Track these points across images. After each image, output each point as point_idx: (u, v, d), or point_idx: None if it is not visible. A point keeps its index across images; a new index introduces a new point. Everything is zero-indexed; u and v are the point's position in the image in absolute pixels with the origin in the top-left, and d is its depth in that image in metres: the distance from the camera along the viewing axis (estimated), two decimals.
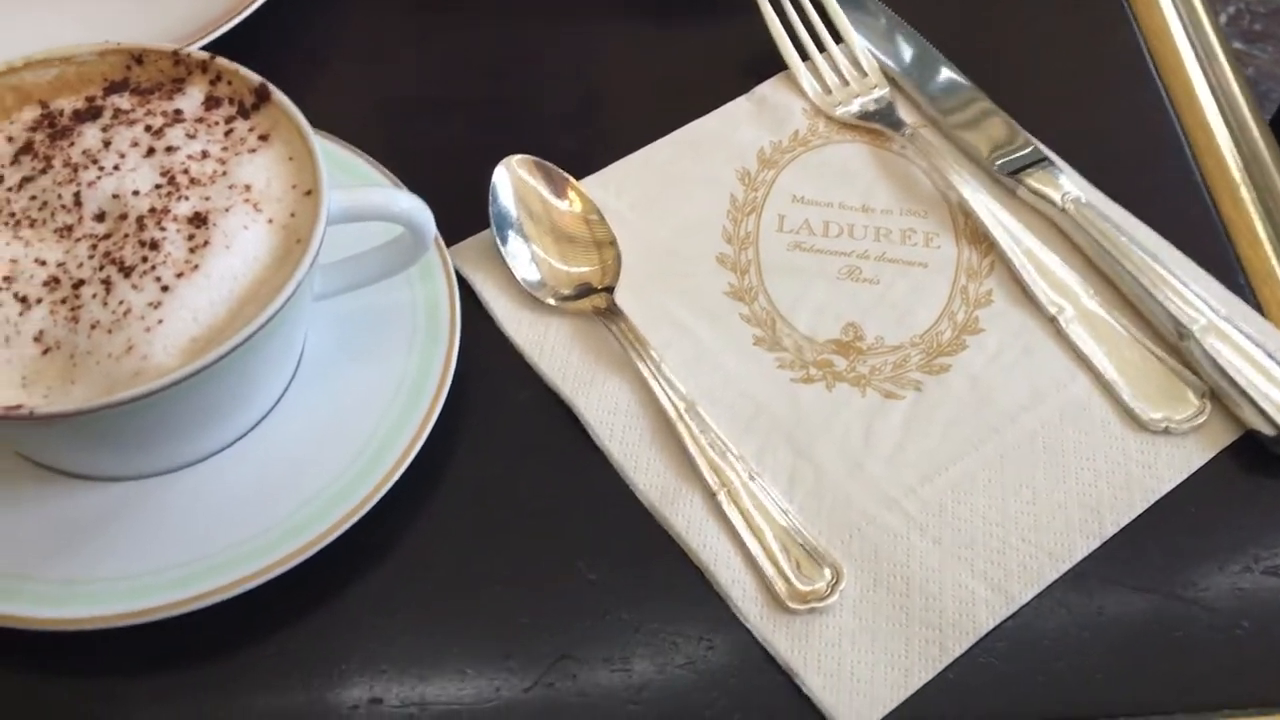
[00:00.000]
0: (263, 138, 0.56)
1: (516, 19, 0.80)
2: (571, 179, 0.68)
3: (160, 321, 0.50)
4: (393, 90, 0.75)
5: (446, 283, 0.62)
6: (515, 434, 0.61)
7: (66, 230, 0.52)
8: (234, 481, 0.56)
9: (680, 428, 0.59)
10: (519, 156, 0.67)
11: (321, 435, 0.57)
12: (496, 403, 0.61)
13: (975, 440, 0.60)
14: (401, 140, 0.72)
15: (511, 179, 0.66)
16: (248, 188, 0.54)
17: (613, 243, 0.65)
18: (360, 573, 0.56)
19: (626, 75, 0.77)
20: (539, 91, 0.75)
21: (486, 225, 0.66)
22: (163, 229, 0.52)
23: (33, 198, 0.53)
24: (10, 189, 0.53)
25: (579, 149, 0.70)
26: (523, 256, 0.65)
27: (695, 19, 0.79)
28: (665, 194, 0.69)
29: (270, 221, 0.53)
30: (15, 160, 0.54)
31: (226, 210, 0.53)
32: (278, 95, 0.57)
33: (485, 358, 0.62)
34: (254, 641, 0.54)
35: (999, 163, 0.69)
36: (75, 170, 0.53)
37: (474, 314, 0.64)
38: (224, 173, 0.54)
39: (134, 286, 0.50)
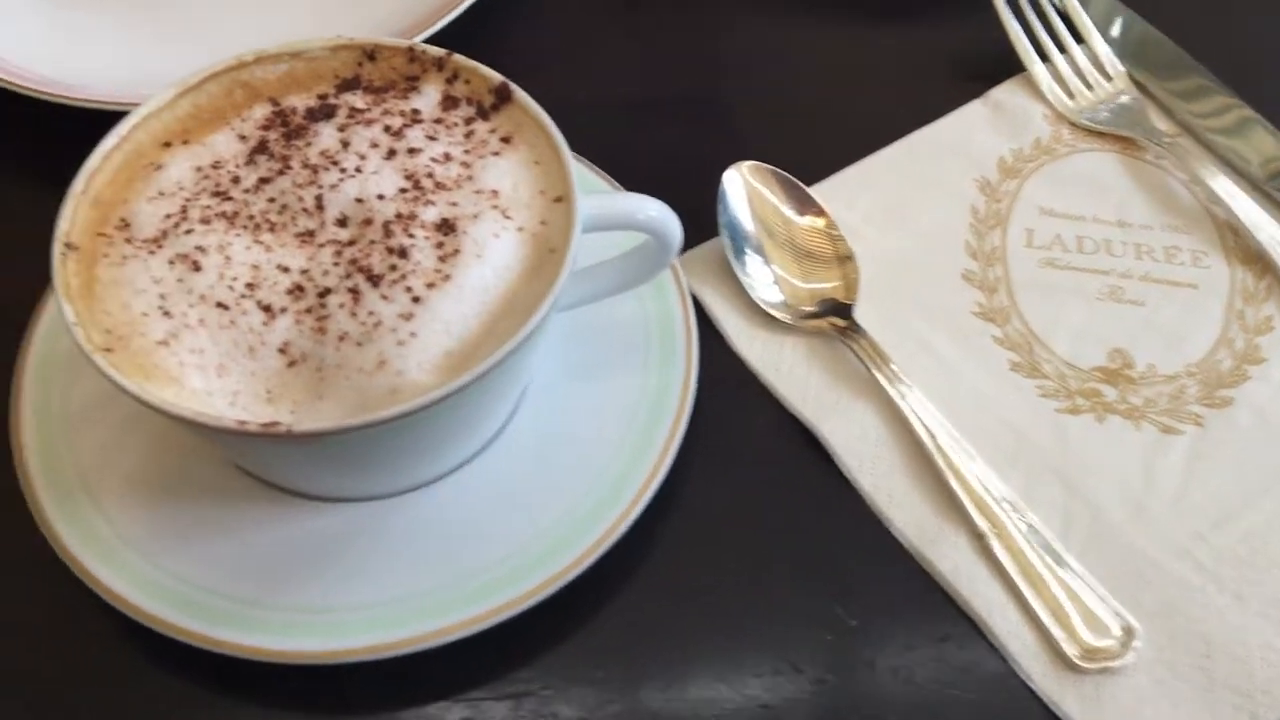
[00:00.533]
0: (505, 140, 0.52)
1: (733, 18, 0.75)
2: (805, 188, 0.63)
3: (413, 335, 0.46)
4: (604, 92, 0.72)
5: (680, 297, 0.58)
6: (755, 461, 0.56)
7: (308, 235, 0.49)
8: (469, 505, 0.52)
9: (938, 459, 0.54)
10: (749, 163, 0.63)
11: (556, 458, 0.53)
12: (731, 426, 0.57)
13: (1268, 481, 0.54)
14: (615, 144, 0.68)
15: (745, 188, 0.62)
16: (495, 193, 0.50)
17: (851, 257, 0.61)
18: (598, 609, 0.52)
19: (850, 76, 0.72)
20: (758, 93, 0.71)
21: (707, 235, 0.62)
22: (411, 236, 0.48)
23: (271, 200, 0.50)
24: (247, 190, 0.50)
25: (803, 155, 0.66)
26: (761, 274, 0.60)
27: (922, 17, 0.74)
28: (900, 204, 0.64)
29: (520, 229, 0.50)
30: (250, 160, 0.51)
31: (475, 217, 0.49)
32: (520, 95, 0.53)
33: (715, 377, 0.58)
34: (495, 675, 0.50)
35: (1276, 180, 0.63)
36: (315, 172, 0.50)
37: (700, 329, 0.59)
38: (469, 177, 0.51)
39: (383, 297, 0.47)
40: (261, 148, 0.52)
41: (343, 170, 0.50)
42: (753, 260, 0.60)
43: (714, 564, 0.53)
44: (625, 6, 0.76)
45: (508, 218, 0.50)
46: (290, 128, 0.52)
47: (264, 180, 0.50)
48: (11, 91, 0.66)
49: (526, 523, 0.52)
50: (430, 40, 0.66)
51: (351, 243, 0.49)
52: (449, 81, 0.54)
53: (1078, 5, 0.70)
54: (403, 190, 0.50)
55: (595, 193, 0.55)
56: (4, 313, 0.58)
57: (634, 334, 0.57)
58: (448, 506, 0.52)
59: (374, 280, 0.47)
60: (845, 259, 0.61)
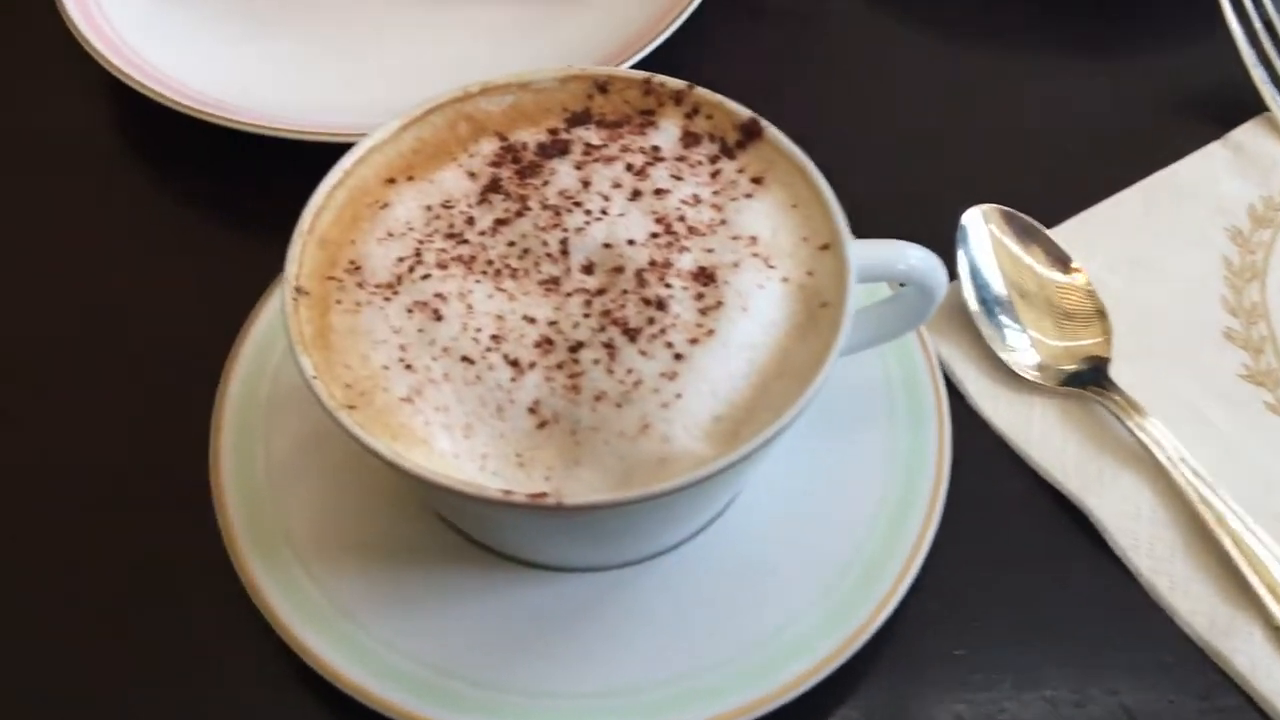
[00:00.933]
0: (756, 181, 0.48)
1: (948, 50, 0.71)
2: (1049, 235, 0.58)
3: (678, 396, 0.42)
4: (810, 128, 0.67)
5: (924, 352, 0.53)
6: (1012, 535, 0.51)
7: (553, 283, 0.45)
8: (714, 576, 0.47)
9: (1226, 542, 0.49)
10: (989, 207, 0.58)
11: (803, 527, 0.49)
12: (982, 496, 0.52)
13: None
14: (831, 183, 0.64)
15: (988, 236, 0.57)
16: (753, 239, 0.46)
17: (1105, 312, 0.56)
18: (849, 694, 0.47)
19: (1073, 112, 0.67)
20: (981, 129, 0.66)
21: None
22: (667, 286, 0.44)
23: (511, 243, 0.46)
24: (484, 232, 0.46)
25: (1032, 194, 0.61)
26: (1014, 334, 0.55)
27: (1150, 51, 0.69)
28: (1144, 253, 0.59)
29: (785, 280, 0.45)
30: (483, 199, 0.47)
31: (735, 266, 0.45)
32: (772, 132, 0.49)
33: (959, 439, 0.53)
34: None
35: None
36: (557, 214, 0.46)
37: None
38: (722, 221, 0.47)
39: (642, 353, 0.43)
40: (494, 186, 0.48)
41: (588, 212, 0.46)
42: (1002, 318, 0.55)
43: (976, 651, 0.48)
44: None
45: (770, 266, 0.45)
46: (523, 164, 0.48)
47: (501, 222, 0.46)
48: (203, 123, 0.63)
49: (778, 602, 0.47)
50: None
51: (601, 291, 0.45)
52: (688, 116, 0.50)
53: None
54: (654, 235, 0.46)
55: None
56: (199, 358, 0.54)
57: (875, 390, 0.53)
58: (683, 579, 0.48)
59: (631, 334, 0.43)
60: (1098, 314, 0.55)
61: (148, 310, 0.59)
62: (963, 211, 0.58)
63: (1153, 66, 0.68)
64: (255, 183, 0.64)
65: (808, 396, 0.41)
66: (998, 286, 0.56)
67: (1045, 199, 0.61)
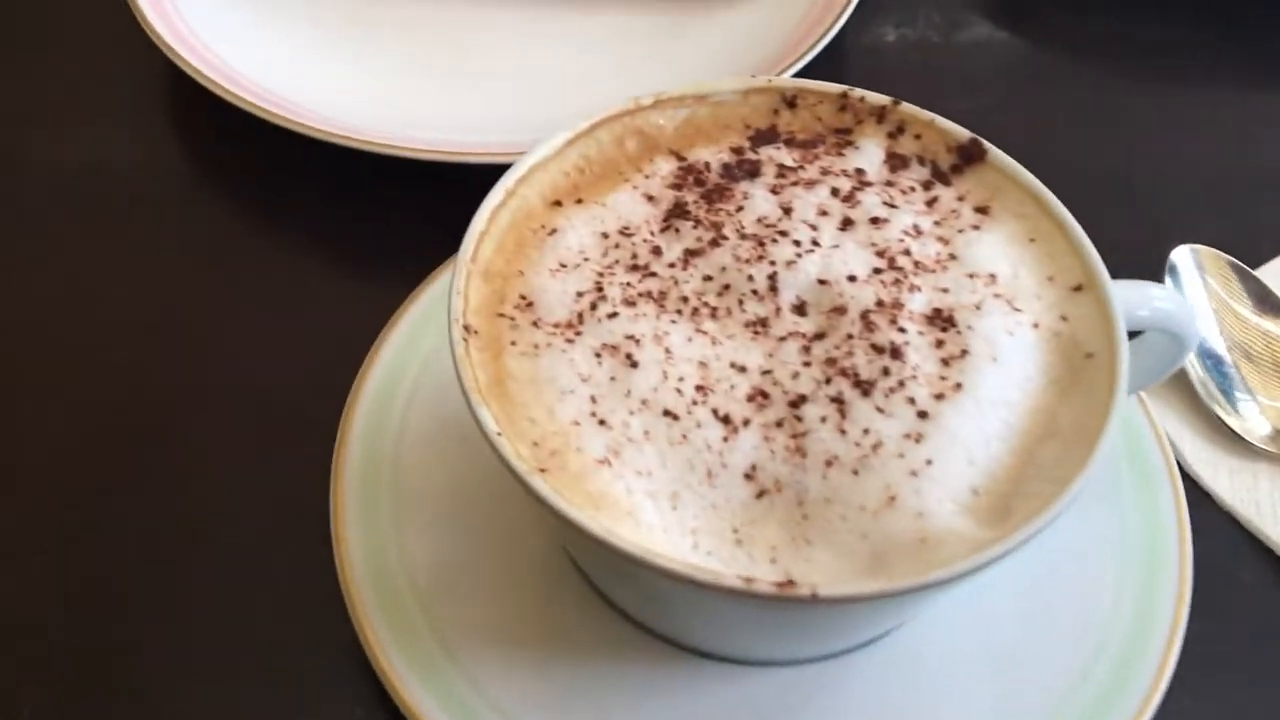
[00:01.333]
0: (980, 210, 0.41)
1: (1125, 82, 0.65)
2: (1267, 284, 0.52)
3: (929, 463, 0.35)
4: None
5: (1145, 414, 0.47)
6: (1256, 625, 0.44)
7: (761, 324, 0.38)
8: (930, 675, 0.40)
9: None
10: (1198, 246, 0.51)
11: (1033, 615, 0.42)
12: (1213, 581, 0.45)
13: None
14: None
15: (1198, 279, 0.51)
16: (992, 278, 0.39)
17: None
18: None
19: (1253, 143, 0.61)
20: (1169, 166, 0.60)
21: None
22: (901, 330, 0.37)
23: (708, 278, 0.39)
24: (673, 264, 0.39)
25: (1228, 237, 0.54)
26: (1242, 400, 0.49)
27: None
28: None
29: (1036, 326, 0.38)
30: (668, 225, 0.41)
31: (977, 308, 0.38)
32: (997, 155, 0.42)
33: None
34: None
35: None
36: (760, 244, 0.39)
37: None
38: (951, 256, 0.40)
39: (879, 409, 0.36)
40: (679, 211, 0.41)
41: (795, 243, 0.39)
42: (1225, 376, 0.49)
43: None
44: (991, 63, 0.65)
45: (1017, 310, 0.38)
46: (708, 187, 0.42)
47: (693, 253, 0.40)
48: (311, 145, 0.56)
49: (1017, 694, 0.40)
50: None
51: (820, 336, 0.38)
52: (891, 136, 0.44)
53: None
54: (876, 271, 0.39)
55: None
56: (318, 416, 0.48)
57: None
58: (907, 672, 0.41)
59: (863, 388, 0.36)
60: None
61: (256, 347, 0.53)
62: (1157, 251, 0.52)
63: None
64: (362, 206, 0.57)
65: (1093, 464, 0.34)
66: (1214, 339, 0.50)
67: (1244, 238, 0.55)
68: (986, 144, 0.42)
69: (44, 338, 0.53)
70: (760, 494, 0.35)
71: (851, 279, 0.38)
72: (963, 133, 0.43)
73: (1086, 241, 0.40)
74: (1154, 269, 0.51)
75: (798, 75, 0.57)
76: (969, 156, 0.43)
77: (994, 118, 0.63)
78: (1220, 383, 0.48)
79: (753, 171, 0.42)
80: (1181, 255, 0.51)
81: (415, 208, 0.57)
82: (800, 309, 0.38)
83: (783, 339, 0.38)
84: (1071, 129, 0.62)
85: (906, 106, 0.44)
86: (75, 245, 0.57)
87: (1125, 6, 0.69)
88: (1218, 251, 0.51)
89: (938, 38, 0.68)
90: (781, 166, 0.42)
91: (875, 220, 0.40)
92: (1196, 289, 0.50)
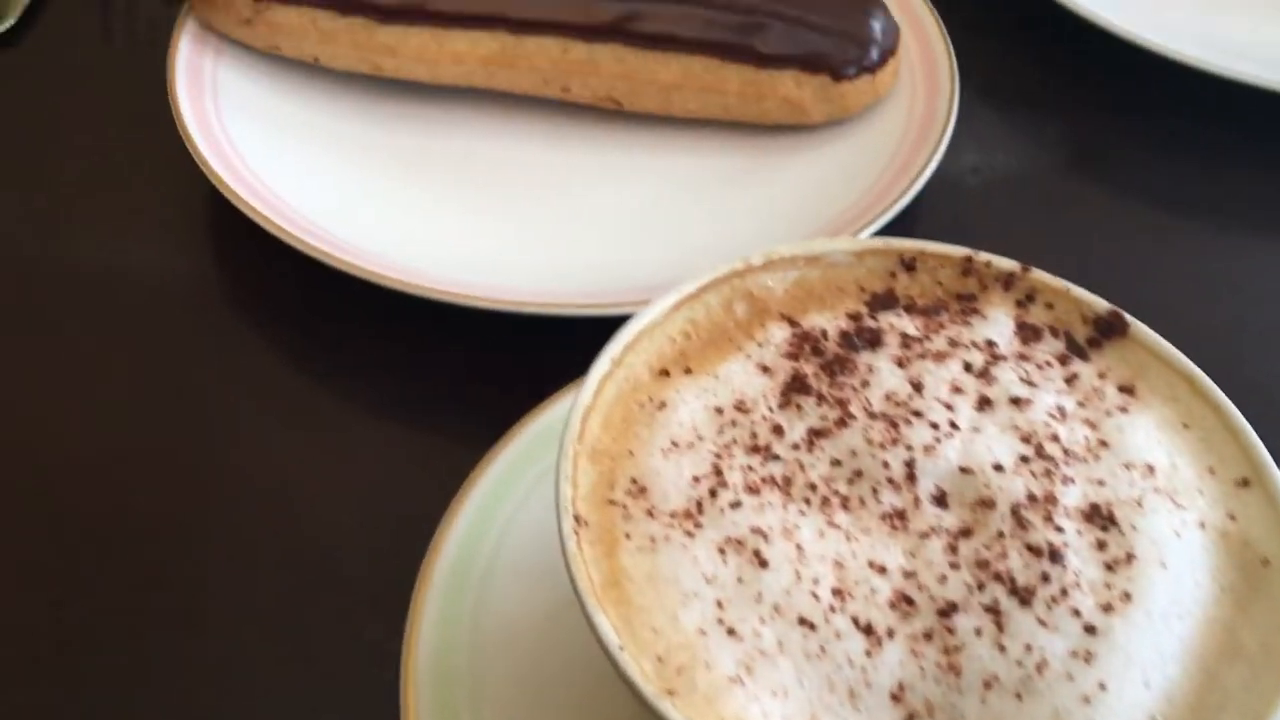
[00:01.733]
0: (1125, 390, 0.38)
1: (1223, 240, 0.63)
2: None
3: (1102, 687, 0.31)
4: None
5: None
6: None
7: (899, 517, 0.34)
8: None
9: None
10: None
11: None
12: None
13: None
14: None
15: None
16: (1150, 469, 0.36)
17: None
18: None
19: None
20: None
21: None
22: (1058, 530, 0.34)
23: (836, 463, 0.35)
24: (796, 446, 0.36)
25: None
26: None
27: None
28: None
29: (1202, 525, 0.35)
30: (787, 401, 0.37)
31: (1138, 504, 0.35)
32: (1140, 330, 0.39)
33: None
34: None
35: None
36: (894, 426, 0.36)
37: None
38: (1102, 442, 0.36)
39: (1041, 622, 0.32)
40: (799, 385, 0.37)
41: (933, 425, 0.36)
42: None
43: None
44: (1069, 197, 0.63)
45: (1180, 506, 0.35)
46: (827, 358, 0.38)
47: (818, 433, 0.36)
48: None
49: None
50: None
51: (967, 532, 0.34)
52: (1020, 304, 0.41)
53: None
54: (1024, 459, 0.35)
55: None
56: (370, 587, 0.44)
57: None
58: None
59: (1021, 596, 0.32)
60: None
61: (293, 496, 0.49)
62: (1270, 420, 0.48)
63: None
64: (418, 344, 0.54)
65: None
66: None
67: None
68: (1129, 317, 0.39)
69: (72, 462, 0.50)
70: (910, 718, 0.31)
71: (998, 468, 0.35)
72: (1101, 304, 0.40)
73: (1248, 428, 0.36)
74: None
75: (892, 223, 0.54)
76: (1109, 330, 0.39)
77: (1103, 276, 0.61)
78: None
79: (874, 341, 0.39)
80: None
81: (472, 357, 0.54)
82: (941, 500, 0.35)
83: (925, 535, 0.34)
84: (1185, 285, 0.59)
85: (1038, 273, 0.40)
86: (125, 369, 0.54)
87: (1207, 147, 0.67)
88: None
89: (1020, 182, 0.65)
90: (905, 336, 0.39)
91: (1016, 400, 0.37)
92: None
